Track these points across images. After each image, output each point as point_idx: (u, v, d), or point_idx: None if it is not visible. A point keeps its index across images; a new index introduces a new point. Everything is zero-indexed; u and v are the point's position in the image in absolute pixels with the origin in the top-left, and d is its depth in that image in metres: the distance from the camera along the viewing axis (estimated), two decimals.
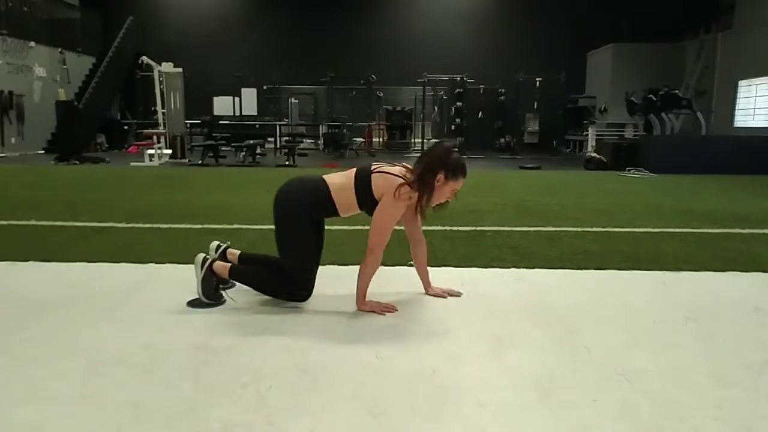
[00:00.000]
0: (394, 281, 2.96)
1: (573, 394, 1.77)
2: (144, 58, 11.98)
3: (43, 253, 3.44)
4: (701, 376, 1.91)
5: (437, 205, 2.53)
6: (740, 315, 2.52)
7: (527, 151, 15.62)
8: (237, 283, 2.68)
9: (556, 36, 17.41)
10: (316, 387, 1.80)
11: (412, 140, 16.62)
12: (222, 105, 15.75)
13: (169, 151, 11.73)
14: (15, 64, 13.82)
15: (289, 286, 2.54)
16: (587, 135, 14.80)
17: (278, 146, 14.68)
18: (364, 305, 2.51)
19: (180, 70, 11.72)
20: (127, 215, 4.80)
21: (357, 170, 2.54)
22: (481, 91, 16.07)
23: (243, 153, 11.56)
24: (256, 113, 15.96)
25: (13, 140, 13.66)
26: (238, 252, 2.80)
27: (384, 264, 3.21)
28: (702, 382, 1.86)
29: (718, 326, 2.37)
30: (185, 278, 2.97)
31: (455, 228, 4.33)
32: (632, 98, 11.93)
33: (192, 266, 2.57)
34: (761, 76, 13.45)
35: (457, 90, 15.55)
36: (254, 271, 2.67)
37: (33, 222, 4.49)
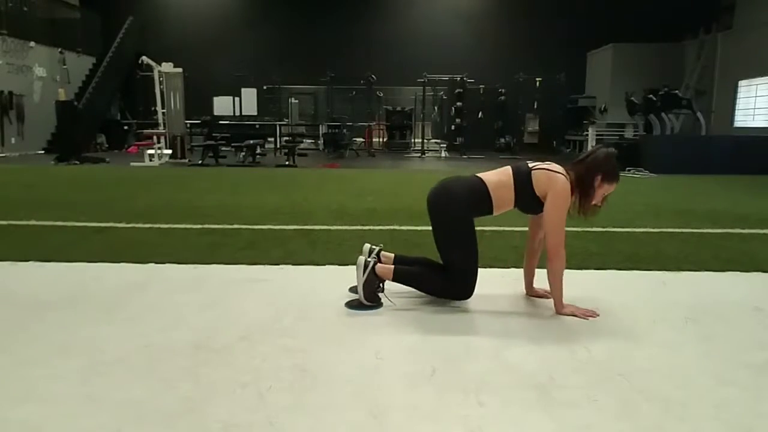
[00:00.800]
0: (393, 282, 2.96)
1: (573, 394, 1.76)
2: (144, 58, 11.97)
3: (43, 253, 3.44)
4: (701, 376, 1.91)
5: (589, 209, 2.56)
6: (740, 315, 2.52)
7: (527, 151, 15.61)
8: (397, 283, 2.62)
9: (556, 36, 17.40)
10: (316, 387, 1.80)
11: (412, 140, 16.62)
12: (222, 105, 15.76)
13: (169, 151, 11.74)
14: (15, 64, 13.82)
15: (456, 284, 2.55)
16: (587, 135, 14.79)
17: (278, 146, 14.68)
18: (565, 309, 2.49)
19: (180, 70, 11.73)
20: (127, 215, 4.79)
21: (514, 167, 2.56)
22: (481, 91, 16.08)
23: (243, 153, 11.56)
24: (256, 113, 15.97)
25: (13, 140, 13.66)
26: (392, 254, 2.76)
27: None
28: (702, 382, 1.86)
29: (718, 326, 2.37)
30: (185, 278, 2.98)
31: None
32: (632, 98, 11.93)
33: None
34: (761, 76, 13.45)
35: (457, 90, 15.55)
36: (418, 272, 2.64)
37: (33, 222, 4.49)
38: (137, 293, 2.72)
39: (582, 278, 3.09)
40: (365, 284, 2.50)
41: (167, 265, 3.24)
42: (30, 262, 3.27)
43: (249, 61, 17.40)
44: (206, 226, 4.41)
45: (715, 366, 1.98)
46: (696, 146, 10.60)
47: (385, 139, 17.11)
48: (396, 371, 1.92)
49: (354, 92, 16.79)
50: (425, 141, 15.83)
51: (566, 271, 3.19)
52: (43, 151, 14.24)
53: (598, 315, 2.47)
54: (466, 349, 2.11)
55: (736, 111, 14.49)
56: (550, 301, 2.62)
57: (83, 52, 16.46)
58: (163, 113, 11.85)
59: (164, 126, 11.80)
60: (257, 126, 15.40)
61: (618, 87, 14.57)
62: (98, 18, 17.37)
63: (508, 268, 3.25)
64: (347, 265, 3.12)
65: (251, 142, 11.61)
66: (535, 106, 16.56)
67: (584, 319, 2.43)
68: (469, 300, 2.67)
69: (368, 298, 2.52)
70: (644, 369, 1.95)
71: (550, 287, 2.53)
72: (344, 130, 14.72)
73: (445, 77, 15.85)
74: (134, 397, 1.72)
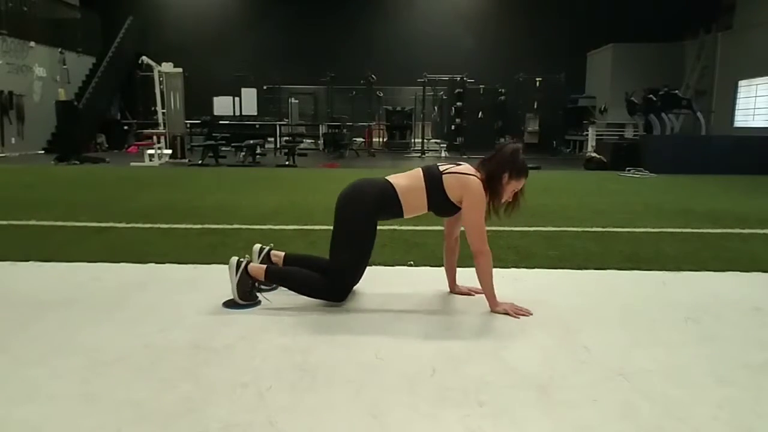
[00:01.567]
0: (393, 282, 2.96)
1: (573, 394, 1.76)
2: (144, 58, 11.97)
3: (43, 253, 3.44)
4: (701, 376, 1.91)
5: (509, 207, 2.58)
6: (740, 315, 2.52)
7: (527, 151, 15.53)
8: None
9: (556, 36, 17.40)
10: (316, 387, 1.80)
11: (412, 140, 16.61)
12: (222, 105, 15.75)
13: (169, 151, 11.73)
14: (15, 64, 13.82)
15: (334, 283, 2.54)
16: (587, 135, 14.80)
17: (278, 146, 14.68)
18: (499, 306, 2.51)
19: (180, 70, 11.72)
20: (127, 215, 4.79)
21: (425, 171, 2.55)
22: (481, 91, 16.05)
23: (243, 153, 11.55)
24: (256, 113, 15.96)
25: (13, 140, 13.65)
26: (283, 254, 2.79)
27: (384, 264, 3.23)
28: (702, 382, 1.86)
29: (718, 326, 2.37)
30: (185, 278, 2.98)
31: None
32: (632, 98, 11.92)
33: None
34: (761, 76, 13.45)
35: (457, 90, 15.54)
36: (293, 271, 2.64)
37: (33, 222, 4.49)
38: (137, 293, 2.71)
39: (582, 278, 3.10)
40: (238, 284, 2.51)
41: (167, 265, 3.24)
42: (30, 262, 3.27)
43: (249, 61, 17.40)
44: (206, 226, 4.41)
45: (715, 366, 1.98)
46: (696, 146, 10.60)
47: (385, 139, 17.10)
48: (396, 371, 1.91)
49: (354, 92, 16.78)
50: (425, 141, 15.81)
51: (567, 271, 3.21)
52: (43, 151, 14.24)
53: (532, 314, 2.48)
54: (466, 349, 2.11)
55: (736, 111, 14.48)
56: (550, 301, 2.63)
57: (83, 52, 16.46)
58: (163, 113, 11.85)
59: (164, 126, 11.80)
60: (257, 126, 15.39)
61: (618, 87, 14.56)
62: (98, 18, 17.36)
63: (508, 268, 3.25)
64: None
65: (251, 142, 11.60)
66: (535, 106, 16.53)
67: (515, 317, 2.44)
68: (469, 300, 2.67)
69: (242, 297, 2.53)
70: (644, 369, 1.94)
71: (481, 286, 2.54)
72: (344, 130, 14.71)
73: (445, 77, 15.84)
74: (134, 397, 1.72)
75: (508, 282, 2.99)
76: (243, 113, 15.76)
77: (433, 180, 2.50)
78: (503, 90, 16.51)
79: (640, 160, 10.29)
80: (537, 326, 2.35)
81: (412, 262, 3.34)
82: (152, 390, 1.76)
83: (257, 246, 2.80)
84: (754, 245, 3.96)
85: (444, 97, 16.92)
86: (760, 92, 13.67)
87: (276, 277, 2.62)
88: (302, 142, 14.78)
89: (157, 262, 3.27)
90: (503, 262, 3.36)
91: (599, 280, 3.07)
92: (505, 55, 17.68)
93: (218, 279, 2.96)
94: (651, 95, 11.29)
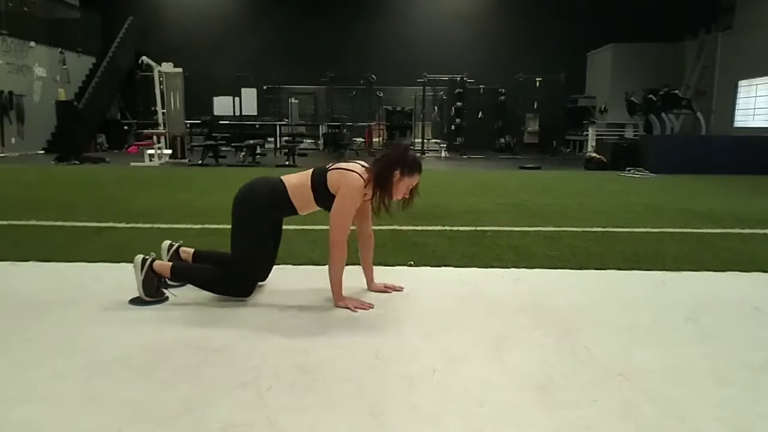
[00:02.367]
0: (393, 282, 2.96)
1: (573, 394, 1.76)
2: (144, 58, 11.97)
3: (43, 253, 3.44)
4: (701, 376, 1.91)
5: (403, 202, 2.64)
6: (740, 315, 2.52)
7: (527, 151, 15.62)
8: None
9: (556, 36, 17.39)
10: (316, 387, 1.80)
11: (413, 140, 16.61)
12: (222, 105, 15.75)
13: (169, 151, 11.73)
14: (15, 64, 13.81)
15: (237, 277, 2.59)
16: (587, 135, 14.79)
17: (278, 146, 14.67)
18: (342, 301, 2.56)
19: (180, 70, 11.72)
20: (127, 215, 4.79)
21: (315, 169, 2.64)
22: (481, 91, 16.06)
23: (243, 153, 11.55)
24: (256, 113, 15.95)
25: (13, 140, 13.65)
26: (192, 250, 2.85)
27: (384, 264, 3.23)
28: (702, 382, 1.86)
29: (718, 326, 2.37)
30: None
31: (455, 228, 4.32)
32: (632, 98, 11.93)
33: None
34: (761, 76, 13.44)
35: (457, 90, 15.54)
36: (197, 268, 2.73)
37: (33, 222, 4.49)
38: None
39: (582, 278, 3.10)
40: (144, 282, 2.56)
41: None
42: (30, 262, 3.27)
43: (249, 61, 17.39)
44: (206, 226, 4.41)
45: (715, 366, 1.98)
46: (696, 146, 10.60)
47: (385, 139, 17.11)
48: (396, 371, 1.92)
49: (354, 92, 16.78)
50: (425, 141, 15.81)
51: (567, 271, 3.21)
52: (43, 151, 14.23)
53: (372, 307, 2.52)
54: (466, 349, 2.11)
55: (736, 111, 14.48)
56: (550, 301, 2.63)
57: (83, 52, 16.45)
58: (163, 113, 11.84)
59: (164, 126, 11.79)
60: (257, 126, 15.38)
61: (618, 87, 14.56)
62: (98, 18, 17.35)
63: (509, 268, 3.25)
64: (347, 265, 3.11)
65: (251, 142, 11.60)
66: (535, 106, 16.55)
67: (354, 311, 2.48)
68: (468, 300, 2.67)
69: (148, 294, 2.57)
70: (644, 369, 1.94)
71: (329, 277, 2.58)
72: (344, 130, 14.71)
73: (445, 77, 15.83)
74: (134, 397, 1.72)
75: (509, 282, 2.99)
76: (243, 113, 15.75)
77: (319, 176, 2.58)
78: (503, 90, 16.52)
79: (640, 160, 10.29)
80: (537, 326, 2.35)
81: (412, 262, 3.34)
82: (152, 390, 1.76)
83: (166, 243, 2.86)
84: (754, 245, 3.96)
85: (444, 97, 16.91)
86: (760, 92, 13.67)
87: (181, 274, 2.66)
88: (302, 142, 14.78)
89: None
90: (503, 262, 3.36)
91: (599, 280, 3.07)
92: (505, 55, 17.67)
93: None
94: (651, 95, 11.29)
